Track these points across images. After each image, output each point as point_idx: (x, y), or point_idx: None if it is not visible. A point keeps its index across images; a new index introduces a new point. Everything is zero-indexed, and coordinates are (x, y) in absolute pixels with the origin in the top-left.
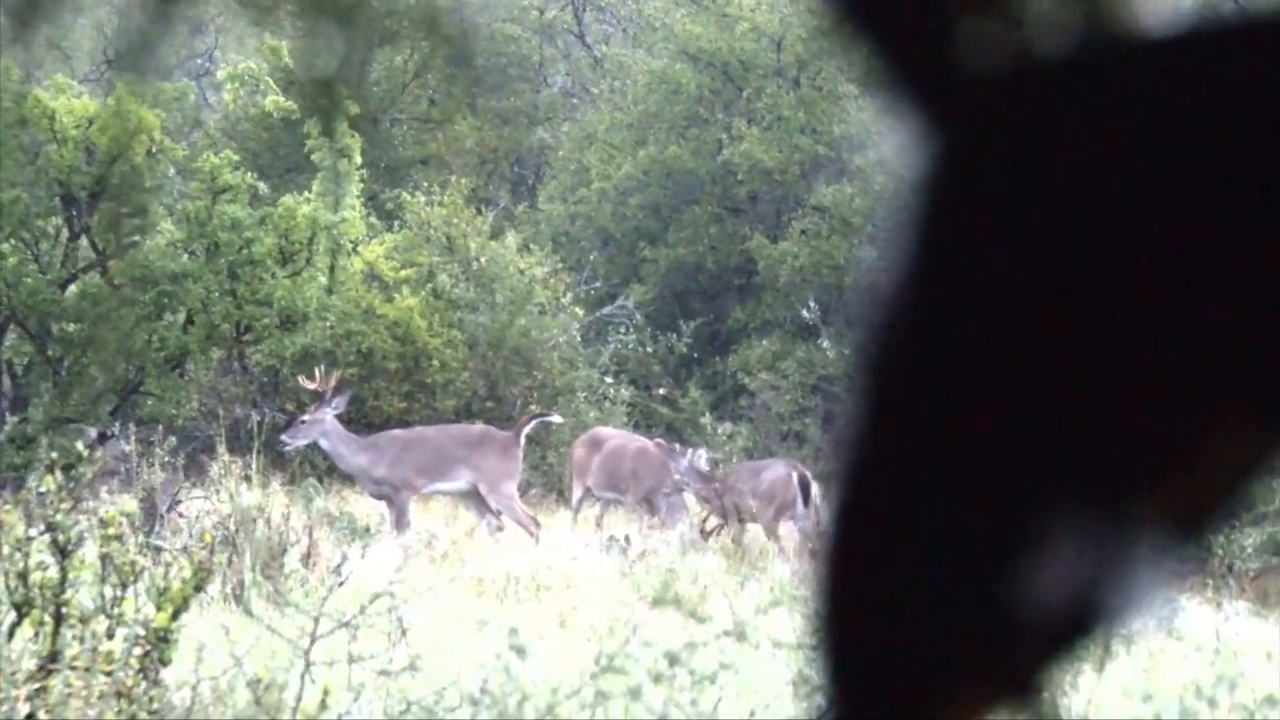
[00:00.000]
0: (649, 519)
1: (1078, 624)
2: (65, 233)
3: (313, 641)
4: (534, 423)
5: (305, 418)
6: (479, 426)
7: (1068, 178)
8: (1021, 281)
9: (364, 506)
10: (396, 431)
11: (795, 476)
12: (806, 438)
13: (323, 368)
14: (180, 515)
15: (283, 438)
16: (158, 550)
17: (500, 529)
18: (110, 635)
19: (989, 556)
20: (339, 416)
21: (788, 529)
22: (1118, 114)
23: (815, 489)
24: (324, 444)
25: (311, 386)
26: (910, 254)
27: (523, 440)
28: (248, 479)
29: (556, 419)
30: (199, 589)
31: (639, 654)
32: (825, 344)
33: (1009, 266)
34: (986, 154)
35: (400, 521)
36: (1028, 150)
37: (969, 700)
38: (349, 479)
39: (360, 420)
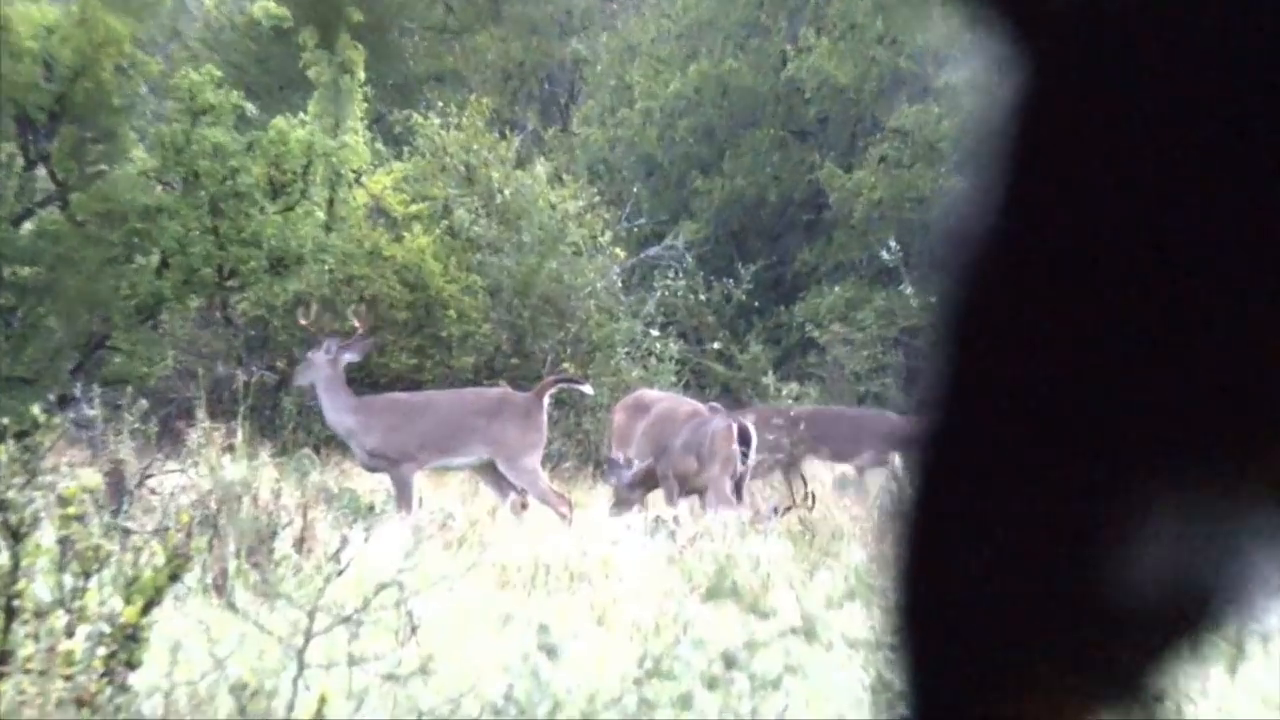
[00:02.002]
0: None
1: (1187, 614)
2: (20, 161)
3: (307, 640)
4: (558, 386)
5: (309, 353)
6: (495, 390)
7: (1167, 98)
8: (1118, 219)
9: (367, 481)
10: (400, 395)
11: (735, 428)
12: (885, 399)
13: (360, 306)
14: (152, 492)
15: (294, 380)
16: (126, 533)
17: (525, 507)
18: (70, 633)
19: (1086, 537)
20: (354, 369)
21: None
22: (1217, 35)
23: (755, 441)
24: (317, 392)
25: (304, 323)
26: (999, 187)
27: (546, 404)
28: (231, 449)
29: (587, 389)
30: (174, 578)
31: (690, 655)
32: (907, 290)
33: (1105, 202)
34: (1078, 72)
35: (403, 500)
36: (1123, 67)
37: (1070, 701)
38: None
39: (364, 380)
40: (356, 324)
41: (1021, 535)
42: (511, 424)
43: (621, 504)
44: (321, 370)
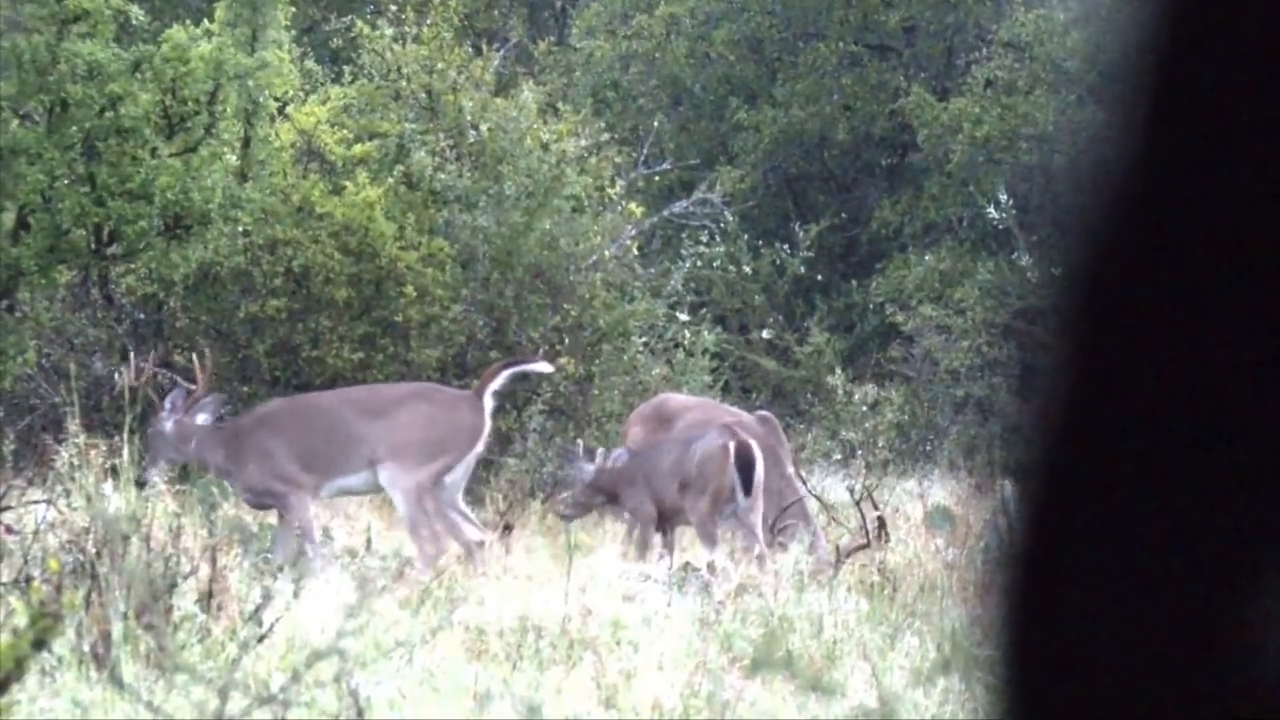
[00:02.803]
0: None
1: None
2: None
3: None
4: (507, 373)
5: (149, 430)
6: (406, 385)
7: None
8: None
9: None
10: (274, 405)
11: (732, 448)
12: (994, 407)
13: (203, 356)
14: (10, 530)
15: (144, 472)
16: None
17: (482, 545)
18: None
19: (1249, 590)
20: (282, 369)
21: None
22: None
23: (760, 467)
24: (182, 457)
25: (132, 383)
26: (1148, 120)
27: (488, 402)
28: (115, 473)
29: (544, 367)
30: (40, 645)
31: None
32: (1023, 260)
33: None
34: None
35: (310, 541)
36: None
37: None
38: None
39: (290, 382)
40: (192, 387)
41: (1166, 592)
42: (413, 424)
43: (576, 507)
44: (170, 435)
